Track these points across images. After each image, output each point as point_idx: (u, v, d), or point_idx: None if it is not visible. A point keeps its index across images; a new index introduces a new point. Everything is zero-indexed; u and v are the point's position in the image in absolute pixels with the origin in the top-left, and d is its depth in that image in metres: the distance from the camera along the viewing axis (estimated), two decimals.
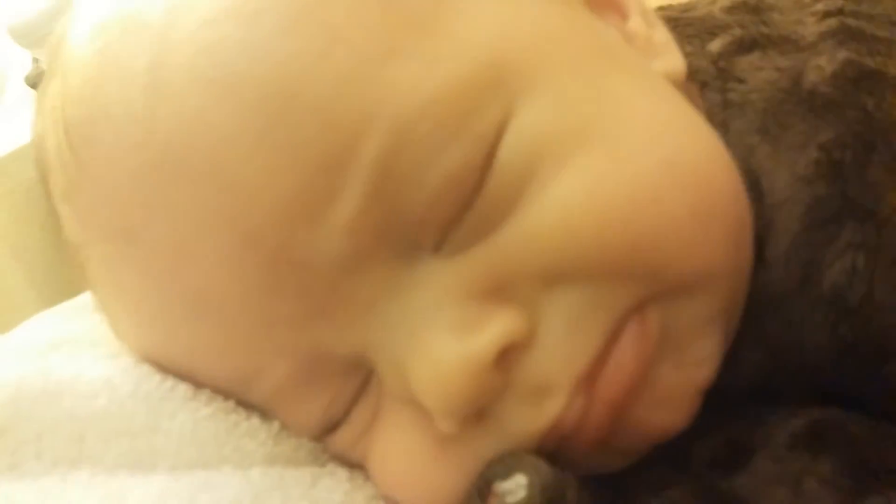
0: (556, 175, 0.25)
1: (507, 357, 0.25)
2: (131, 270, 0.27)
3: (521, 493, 0.24)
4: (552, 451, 0.26)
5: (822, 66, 0.28)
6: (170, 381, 0.30)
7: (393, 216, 0.25)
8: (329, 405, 0.29)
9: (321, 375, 0.28)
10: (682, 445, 0.27)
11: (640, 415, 0.26)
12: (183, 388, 0.30)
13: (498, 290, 0.25)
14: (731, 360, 0.27)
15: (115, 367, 0.30)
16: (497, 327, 0.25)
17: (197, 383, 0.30)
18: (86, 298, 0.41)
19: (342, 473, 0.30)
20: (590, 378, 0.25)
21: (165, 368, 0.30)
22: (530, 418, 0.26)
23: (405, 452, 0.28)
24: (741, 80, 0.30)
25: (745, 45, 0.31)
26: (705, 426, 0.27)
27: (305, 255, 0.25)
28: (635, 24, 0.31)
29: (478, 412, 0.25)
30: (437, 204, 0.25)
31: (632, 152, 0.26)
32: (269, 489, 0.28)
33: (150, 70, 0.25)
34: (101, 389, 0.29)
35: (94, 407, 0.29)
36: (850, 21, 0.30)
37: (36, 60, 1.00)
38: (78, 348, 0.32)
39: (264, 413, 0.30)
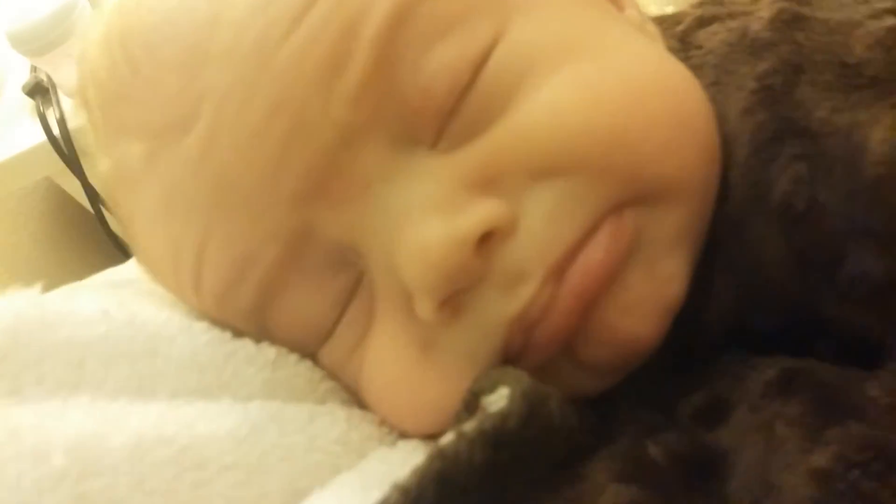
0: (547, 78, 0.28)
1: (488, 244, 0.27)
2: (173, 161, 0.29)
3: (503, 402, 0.24)
4: (521, 348, 0.28)
5: (763, 15, 0.31)
6: (166, 313, 0.31)
7: (393, 94, 0.27)
8: (320, 306, 0.30)
9: (309, 264, 0.29)
10: (669, 402, 0.28)
11: (607, 318, 0.27)
12: (178, 318, 0.31)
13: (487, 183, 0.27)
14: (704, 290, 0.29)
15: (111, 300, 0.31)
16: (481, 212, 0.26)
17: (201, 298, 0.31)
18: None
19: (340, 413, 0.31)
20: (561, 269, 0.27)
21: (178, 283, 0.32)
22: (503, 305, 0.27)
23: (392, 360, 0.29)
24: (699, 47, 0.33)
25: (706, 21, 0.34)
26: (690, 383, 0.28)
27: (315, 124, 0.27)
28: (630, 14, 0.34)
29: (455, 306, 0.27)
30: (431, 90, 0.27)
31: (618, 64, 0.29)
32: (266, 421, 0.29)
33: None
34: (100, 319, 0.30)
35: (93, 333, 0.29)
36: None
37: (34, 69, 0.99)
38: (73, 291, 0.33)
39: (261, 343, 0.31)
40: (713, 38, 0.32)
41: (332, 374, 0.33)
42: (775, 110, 0.28)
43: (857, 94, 0.26)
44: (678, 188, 0.28)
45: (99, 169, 0.33)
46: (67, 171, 0.98)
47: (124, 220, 0.34)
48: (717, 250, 0.29)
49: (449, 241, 0.26)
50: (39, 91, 0.98)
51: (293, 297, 0.30)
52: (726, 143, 0.29)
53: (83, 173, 0.98)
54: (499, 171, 0.27)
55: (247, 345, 0.31)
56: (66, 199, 1.12)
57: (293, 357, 0.32)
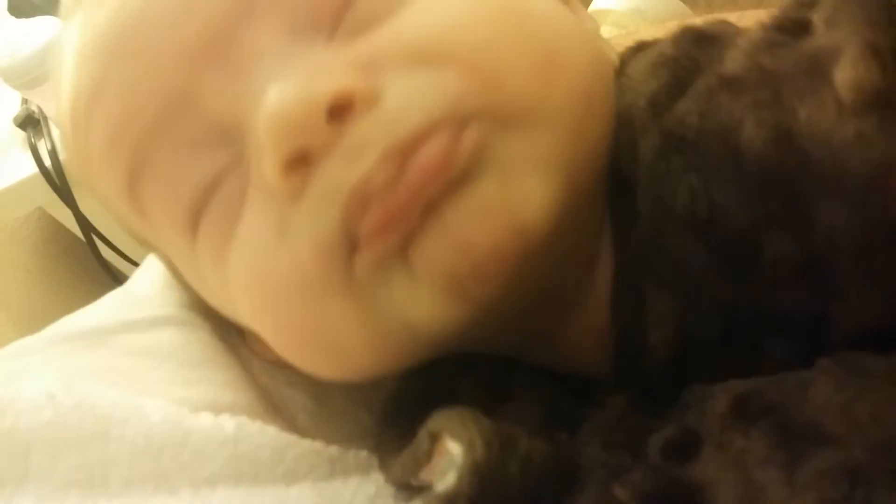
0: None
1: (342, 115, 0.27)
2: (100, 12, 0.30)
3: (451, 481, 0.24)
4: (357, 232, 0.27)
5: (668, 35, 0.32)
6: (114, 394, 0.29)
7: None
8: (191, 181, 0.30)
9: (188, 134, 0.29)
10: (637, 441, 0.28)
11: (446, 218, 0.27)
12: (129, 398, 0.29)
13: (363, 67, 0.28)
14: (638, 309, 0.29)
15: (57, 384, 0.29)
16: (338, 78, 0.27)
17: (89, 143, 0.31)
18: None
19: (308, 495, 0.30)
20: (404, 152, 0.26)
21: (73, 115, 0.32)
22: (343, 174, 0.27)
23: (251, 248, 0.29)
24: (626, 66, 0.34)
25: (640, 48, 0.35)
26: (656, 419, 0.28)
27: None
28: None
29: (302, 176, 0.27)
30: None
31: None
32: None
33: None
34: (45, 404, 0.28)
35: (38, 420, 0.27)
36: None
37: (25, 101, 1.00)
38: (16, 373, 0.31)
39: (218, 417, 0.30)
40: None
41: (203, 298, 0.33)
42: (658, 125, 0.29)
43: (722, 96, 0.27)
44: (539, 116, 0.28)
45: (58, 90, 0.34)
46: (59, 201, 0.99)
47: (59, 86, 0.34)
48: (642, 268, 0.29)
49: (300, 97, 0.26)
50: (31, 123, 0.99)
51: (164, 168, 0.30)
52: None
53: (75, 203, 0.99)
54: (375, 55, 0.28)
55: (204, 420, 0.30)
56: (58, 228, 1.12)
57: (255, 427, 0.30)
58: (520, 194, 0.27)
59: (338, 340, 0.29)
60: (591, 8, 0.79)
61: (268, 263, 0.28)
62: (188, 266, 0.33)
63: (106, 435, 0.28)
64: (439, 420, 0.28)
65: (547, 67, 0.28)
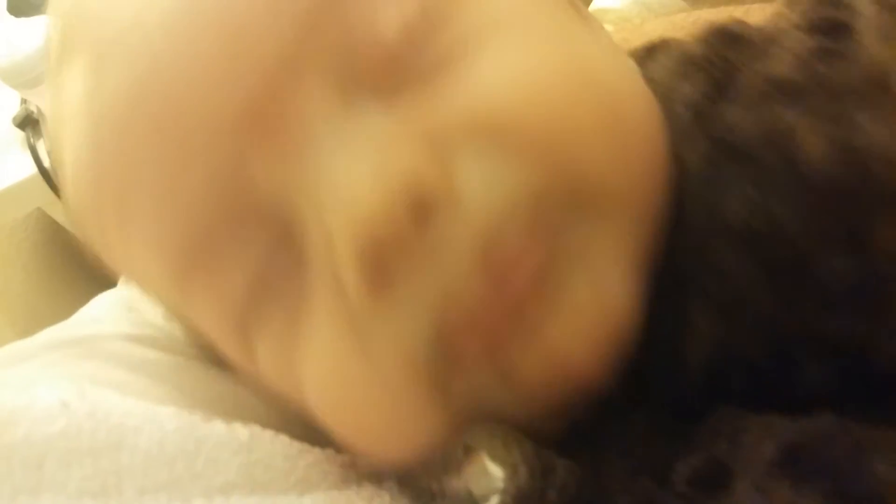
0: (503, 41, 0.27)
1: (424, 213, 0.25)
2: (113, 75, 0.27)
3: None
4: (451, 347, 0.26)
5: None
6: (129, 402, 0.29)
7: (341, 29, 0.26)
8: (249, 278, 0.28)
9: (241, 221, 0.27)
10: (661, 464, 0.27)
11: (549, 332, 0.26)
12: (143, 408, 0.29)
13: (428, 141, 0.26)
14: (679, 326, 0.28)
15: (71, 391, 0.29)
16: (415, 170, 0.25)
17: (126, 247, 0.30)
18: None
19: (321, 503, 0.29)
20: (494, 259, 0.25)
21: (105, 227, 0.30)
22: (435, 283, 0.26)
23: (325, 353, 0.27)
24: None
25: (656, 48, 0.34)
26: (683, 443, 0.27)
27: (257, 40, 0.26)
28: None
29: (384, 281, 0.25)
30: (382, 31, 0.26)
31: (575, 47, 0.29)
32: None
33: None
34: (59, 412, 0.27)
35: (51, 430, 0.27)
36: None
37: (24, 101, 1.00)
38: (30, 381, 0.31)
39: (231, 424, 0.29)
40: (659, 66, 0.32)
41: (262, 387, 0.31)
42: (707, 134, 0.28)
43: (777, 104, 0.27)
44: (615, 201, 0.27)
45: (54, 133, 0.32)
46: (58, 201, 0.98)
47: (58, 154, 0.32)
48: (685, 281, 0.28)
49: (380, 199, 0.25)
50: (30, 123, 0.99)
51: (219, 259, 0.28)
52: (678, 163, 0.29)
53: None
54: (442, 129, 0.26)
55: (218, 428, 0.29)
56: (57, 229, 1.12)
57: (268, 434, 0.30)
58: (610, 292, 0.27)
59: (419, 441, 0.28)
60: (592, 7, 0.78)
61: (347, 375, 0.27)
62: (236, 349, 0.31)
63: (119, 444, 0.27)
64: (479, 436, 0.27)
65: (622, 143, 0.27)
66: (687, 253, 0.28)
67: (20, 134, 0.99)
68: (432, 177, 0.25)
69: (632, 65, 0.31)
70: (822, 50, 0.27)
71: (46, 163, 0.96)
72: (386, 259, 0.25)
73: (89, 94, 0.28)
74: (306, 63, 0.26)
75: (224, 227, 0.27)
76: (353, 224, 0.25)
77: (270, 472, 0.29)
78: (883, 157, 0.24)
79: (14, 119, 0.99)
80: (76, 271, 1.19)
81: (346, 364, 0.27)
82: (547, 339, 0.26)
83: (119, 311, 0.40)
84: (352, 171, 0.25)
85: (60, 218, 1.06)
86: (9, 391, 0.29)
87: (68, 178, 0.31)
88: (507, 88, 0.26)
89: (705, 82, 0.29)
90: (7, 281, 1.16)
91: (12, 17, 0.95)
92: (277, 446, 0.30)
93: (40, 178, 0.97)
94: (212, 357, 0.34)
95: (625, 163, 0.27)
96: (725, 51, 0.29)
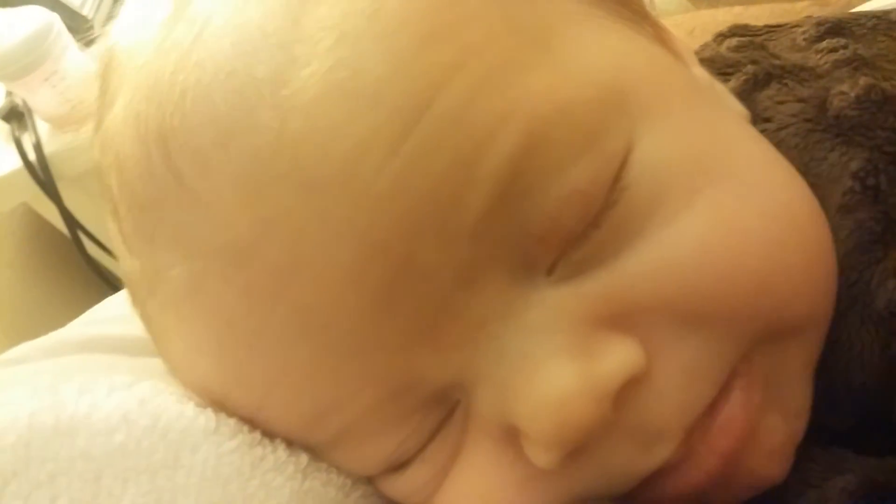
0: (686, 206, 0.25)
1: (623, 391, 0.24)
2: (227, 291, 0.25)
3: None
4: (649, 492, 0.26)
5: (846, 91, 0.29)
6: (190, 412, 0.28)
7: (516, 225, 0.24)
8: (403, 441, 0.27)
9: (404, 408, 0.26)
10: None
11: (746, 466, 0.26)
12: (204, 420, 0.28)
13: (617, 319, 0.24)
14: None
15: (131, 399, 0.28)
16: (620, 356, 0.24)
17: (255, 425, 0.28)
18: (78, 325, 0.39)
19: None
20: (700, 426, 0.25)
21: (224, 407, 0.29)
22: (636, 459, 0.25)
23: (485, 490, 0.27)
24: (768, 119, 0.30)
25: (761, 81, 0.32)
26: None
27: (427, 264, 0.24)
28: (699, 72, 0.31)
29: (577, 452, 0.24)
30: (561, 217, 0.24)
31: (757, 191, 0.26)
32: None
33: (277, 84, 0.24)
34: (118, 425, 0.27)
35: (110, 444, 0.27)
36: (861, 52, 0.31)
37: (9, 93, 0.98)
38: (91, 378, 0.30)
39: (293, 446, 0.29)
40: (781, 108, 0.30)
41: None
42: (882, 210, 0.27)
43: None
44: (808, 323, 0.26)
45: (122, 265, 0.30)
46: (44, 196, 0.97)
47: (153, 328, 0.30)
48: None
49: (588, 394, 0.23)
50: (15, 116, 0.97)
51: (374, 436, 0.27)
52: None
53: (60, 199, 0.97)
54: (630, 307, 0.24)
55: (277, 449, 0.28)
56: (42, 224, 1.10)
57: (323, 464, 0.29)
58: (796, 411, 0.27)
59: None
60: None
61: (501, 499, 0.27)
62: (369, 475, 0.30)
63: (176, 462, 0.27)
64: None
65: (814, 273, 0.26)
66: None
67: (5, 127, 0.98)
68: (635, 364, 0.24)
69: (798, 179, 0.29)
70: None
71: (31, 156, 0.94)
72: (582, 443, 0.24)
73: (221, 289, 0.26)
74: (478, 269, 0.24)
75: (387, 413, 0.26)
76: (556, 421, 0.24)
77: (322, 500, 0.29)
78: None
79: None
80: (61, 267, 1.17)
81: (503, 493, 0.26)
82: (743, 468, 0.26)
83: None
84: (552, 371, 0.24)
85: (46, 213, 1.04)
86: (67, 393, 0.28)
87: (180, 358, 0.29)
88: (703, 256, 0.25)
89: (874, 154, 0.28)
90: None
91: None
92: (332, 476, 0.29)
93: (25, 172, 0.95)
94: None
95: (815, 293, 0.26)
96: (886, 115, 0.28)
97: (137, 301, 0.30)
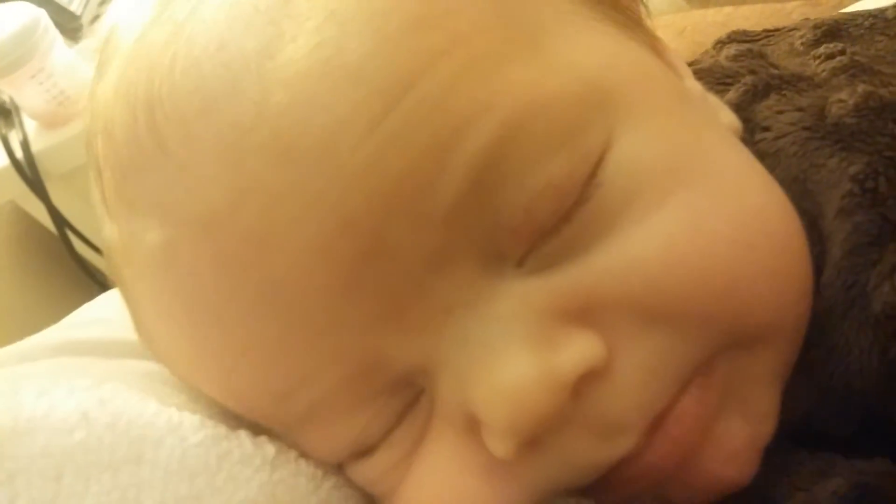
0: (658, 206, 0.25)
1: (582, 384, 0.24)
2: (199, 259, 0.25)
3: None
4: (606, 483, 0.26)
5: (844, 98, 0.29)
6: (152, 409, 0.28)
7: (489, 214, 0.24)
8: (369, 423, 0.27)
9: (370, 389, 0.27)
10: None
11: (705, 466, 0.26)
12: (167, 417, 0.28)
13: (581, 314, 0.25)
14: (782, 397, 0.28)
15: (91, 399, 0.28)
16: (580, 348, 0.24)
17: (227, 397, 0.29)
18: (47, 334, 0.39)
19: None
20: (658, 421, 0.25)
21: (195, 379, 0.29)
22: (596, 451, 0.25)
23: (448, 480, 0.27)
24: (766, 129, 0.31)
25: (760, 91, 0.32)
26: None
27: (398, 245, 0.24)
28: (692, 84, 0.31)
29: (534, 443, 0.25)
30: (534, 210, 0.24)
31: (730, 196, 0.26)
32: None
33: (263, 57, 0.24)
34: (78, 423, 0.27)
35: (70, 441, 0.27)
36: (858, 57, 0.31)
37: None
38: (52, 380, 0.30)
39: (257, 434, 0.29)
40: (780, 118, 0.30)
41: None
42: (878, 212, 0.27)
43: None
44: (773, 332, 0.26)
45: (102, 233, 0.30)
46: (31, 194, 0.96)
47: (128, 297, 0.30)
48: (800, 351, 0.28)
49: (544, 384, 0.24)
50: (2, 113, 0.97)
51: (339, 417, 0.27)
52: (822, 241, 0.28)
53: (47, 196, 0.96)
54: (596, 301, 0.25)
55: (243, 442, 0.28)
56: (30, 222, 1.09)
57: (292, 454, 0.29)
58: (760, 415, 0.27)
59: None
60: None
61: (464, 493, 0.27)
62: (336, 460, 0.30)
63: (140, 458, 0.27)
64: None
65: (782, 280, 0.26)
66: (811, 320, 0.27)
67: None
68: (595, 356, 0.24)
69: (776, 187, 0.29)
70: None
71: (19, 154, 0.94)
72: (538, 433, 0.24)
73: (192, 273, 0.26)
74: (448, 255, 0.24)
75: (351, 394, 0.27)
76: (512, 409, 0.24)
77: (292, 492, 0.29)
78: None
79: None
80: (49, 265, 1.16)
81: (468, 498, 0.27)
82: (700, 469, 0.26)
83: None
84: (511, 360, 0.24)
85: (34, 211, 1.04)
86: (26, 395, 0.28)
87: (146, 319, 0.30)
88: (670, 256, 0.25)
89: (873, 158, 0.27)
90: None
91: None
92: (301, 466, 0.29)
93: (13, 169, 0.94)
94: None
95: (783, 301, 0.26)
96: (885, 122, 0.28)
97: (114, 268, 0.30)
